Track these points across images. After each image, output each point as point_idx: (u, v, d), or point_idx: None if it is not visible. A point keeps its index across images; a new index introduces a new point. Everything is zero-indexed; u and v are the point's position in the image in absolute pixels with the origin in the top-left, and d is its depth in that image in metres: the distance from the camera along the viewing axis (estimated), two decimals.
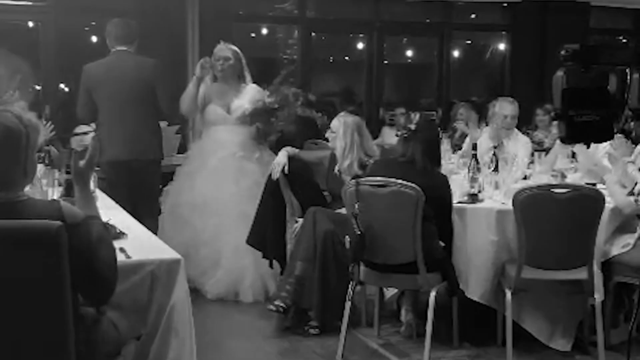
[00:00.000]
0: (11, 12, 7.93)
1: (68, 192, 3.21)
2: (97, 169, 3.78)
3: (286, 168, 5.00)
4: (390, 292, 4.69)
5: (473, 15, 10.06)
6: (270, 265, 5.13)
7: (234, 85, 5.48)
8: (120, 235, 3.06)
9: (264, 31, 10.22)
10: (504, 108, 5.62)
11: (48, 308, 2.23)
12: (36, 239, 2.20)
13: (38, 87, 4.70)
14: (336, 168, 4.89)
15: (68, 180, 3.23)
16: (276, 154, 5.17)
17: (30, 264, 2.20)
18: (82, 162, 2.52)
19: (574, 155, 5.13)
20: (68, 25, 7.89)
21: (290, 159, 5.04)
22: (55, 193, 3.54)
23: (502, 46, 10.31)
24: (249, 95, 5.45)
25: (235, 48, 5.55)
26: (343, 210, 4.43)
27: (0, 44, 7.94)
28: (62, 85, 4.96)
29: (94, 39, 8.48)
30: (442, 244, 4.13)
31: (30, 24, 8.31)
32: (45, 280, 2.21)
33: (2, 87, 2.30)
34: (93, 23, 8.52)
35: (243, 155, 5.42)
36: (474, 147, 4.66)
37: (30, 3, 7.96)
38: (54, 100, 7.48)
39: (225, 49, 5.52)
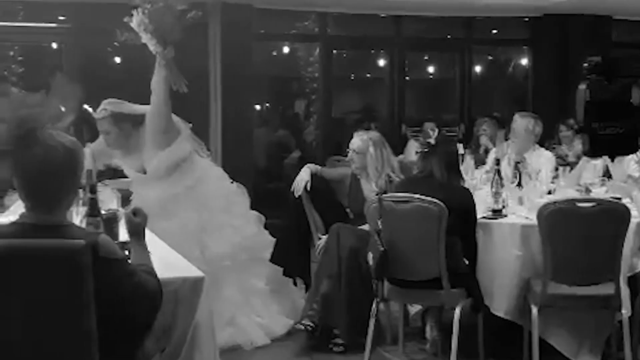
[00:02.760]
0: (36, 33, 8.06)
1: (92, 212, 3.23)
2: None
3: (308, 185, 5.00)
4: (414, 308, 4.67)
5: (494, 31, 10.05)
6: (294, 283, 5.12)
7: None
8: None
9: (285, 49, 10.28)
10: (514, 122, 5.61)
11: (70, 328, 2.23)
12: (59, 258, 2.20)
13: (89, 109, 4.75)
14: (372, 185, 4.87)
15: (92, 199, 3.25)
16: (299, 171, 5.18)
17: (53, 283, 2.20)
18: (138, 219, 2.58)
19: (607, 170, 5.09)
20: (91, 46, 7.99)
21: (313, 176, 5.04)
22: (78, 213, 3.56)
23: (524, 61, 10.27)
24: None
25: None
26: (365, 227, 4.42)
27: (26, 64, 8.09)
28: (85, 106, 5.02)
29: (117, 59, 8.57)
30: (466, 260, 4.10)
31: (55, 45, 8.44)
32: (67, 299, 2.21)
33: (58, 114, 2.35)
34: (116, 44, 8.61)
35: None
36: (497, 162, 4.64)
37: (54, 25, 8.08)
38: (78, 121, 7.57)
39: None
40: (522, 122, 5.54)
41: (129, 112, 4.78)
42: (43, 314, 2.22)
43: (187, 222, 4.77)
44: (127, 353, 2.40)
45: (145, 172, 4.88)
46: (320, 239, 4.94)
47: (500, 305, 4.19)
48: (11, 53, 8.18)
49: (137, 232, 2.60)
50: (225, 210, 4.98)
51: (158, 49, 4.64)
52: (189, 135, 5.01)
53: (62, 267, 2.20)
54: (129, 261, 2.47)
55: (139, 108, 4.82)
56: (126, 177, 5.05)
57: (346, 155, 5.16)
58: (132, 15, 4.58)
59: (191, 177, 4.94)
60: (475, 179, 5.25)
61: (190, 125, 5.09)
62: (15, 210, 3.45)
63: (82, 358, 2.23)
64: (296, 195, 5.02)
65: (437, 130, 6.84)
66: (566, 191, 4.76)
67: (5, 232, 2.30)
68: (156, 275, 2.47)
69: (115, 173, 5.18)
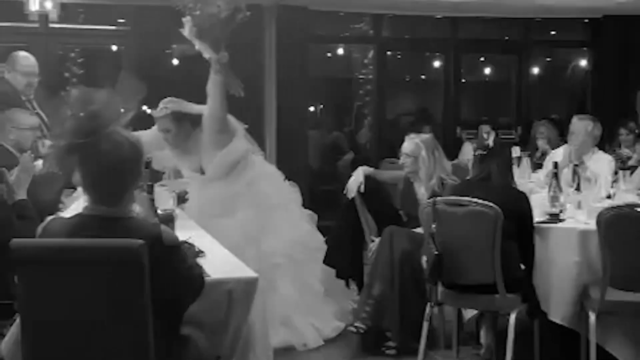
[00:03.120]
0: (97, 36, 8.24)
1: (149, 212, 3.28)
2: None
3: (362, 187, 4.99)
4: (469, 313, 4.62)
5: (553, 32, 9.89)
6: (347, 285, 5.11)
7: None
8: (199, 254, 3.10)
9: (340, 51, 10.29)
10: (572, 124, 5.51)
11: (129, 327, 2.27)
12: (118, 257, 2.25)
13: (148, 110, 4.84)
14: (422, 189, 4.85)
15: (150, 199, 3.30)
16: (352, 173, 5.17)
17: (112, 282, 2.25)
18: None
19: None
20: (149, 48, 8.12)
21: (366, 178, 5.03)
22: (137, 212, 3.61)
23: (583, 63, 10.09)
24: None
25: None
26: (419, 230, 4.39)
27: (87, 66, 8.26)
28: (144, 107, 5.11)
29: (175, 61, 8.68)
30: (523, 265, 4.04)
31: (114, 47, 8.60)
32: (126, 298, 2.26)
33: (120, 111, 2.43)
34: (174, 46, 8.73)
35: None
36: (556, 165, 4.56)
37: (114, 28, 8.24)
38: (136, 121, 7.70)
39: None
40: (580, 125, 5.45)
41: (188, 111, 4.82)
42: (102, 312, 2.26)
43: (246, 220, 4.80)
44: (169, 332, 2.45)
45: (202, 173, 4.93)
46: (373, 241, 4.92)
47: (557, 311, 4.11)
48: (72, 55, 8.38)
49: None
50: (281, 208, 5.01)
51: (212, 55, 4.68)
52: (244, 136, 5.05)
53: (122, 266, 2.25)
54: None
55: (197, 108, 4.87)
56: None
57: (400, 158, 5.13)
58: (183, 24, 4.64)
59: (248, 175, 4.98)
60: (533, 183, 5.17)
61: (246, 126, 5.13)
62: (76, 208, 3.53)
63: (139, 348, 2.28)
64: (349, 197, 5.01)
65: (493, 133, 6.77)
66: (626, 196, 4.65)
67: (71, 223, 2.39)
68: (202, 276, 2.56)
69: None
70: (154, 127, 4.91)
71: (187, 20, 4.62)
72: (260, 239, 4.81)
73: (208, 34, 4.63)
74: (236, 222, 4.73)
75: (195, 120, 4.82)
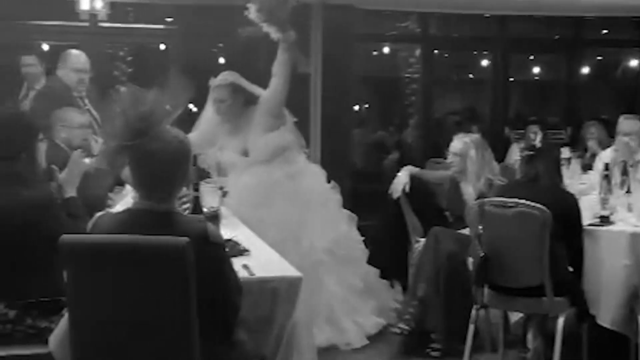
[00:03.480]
0: (145, 35, 8.35)
1: (195, 209, 3.30)
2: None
3: (407, 187, 4.96)
4: (515, 316, 4.55)
5: (604, 31, 9.71)
6: (391, 285, 5.09)
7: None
8: (244, 252, 3.11)
9: (386, 50, 10.24)
10: (620, 124, 5.38)
11: (175, 326, 2.28)
12: (164, 255, 2.27)
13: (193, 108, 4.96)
14: (469, 189, 4.80)
15: (195, 197, 3.32)
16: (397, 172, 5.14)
17: (158, 280, 2.27)
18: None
19: None
20: (196, 47, 8.18)
21: (412, 178, 5.00)
22: (183, 210, 3.63)
23: (634, 62, 9.88)
24: None
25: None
26: (465, 231, 4.35)
27: (135, 64, 8.37)
28: (190, 105, 5.16)
29: (221, 60, 8.75)
30: (572, 267, 3.98)
31: (162, 46, 8.70)
32: (171, 296, 2.27)
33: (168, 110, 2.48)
34: (220, 45, 8.80)
35: None
36: (607, 167, 4.47)
37: (162, 27, 8.33)
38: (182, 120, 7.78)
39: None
40: (628, 124, 5.33)
41: (246, 87, 4.94)
42: (147, 310, 2.28)
43: (286, 213, 4.82)
44: (223, 337, 2.46)
45: (247, 156, 4.97)
46: (417, 242, 4.89)
47: (606, 315, 4.04)
48: (121, 53, 8.50)
49: None
50: (320, 205, 5.01)
51: (279, 34, 4.78)
52: (293, 127, 5.09)
53: (168, 264, 2.26)
54: None
55: (255, 88, 4.97)
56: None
57: (446, 158, 5.09)
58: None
59: (291, 168, 5.02)
60: (585, 184, 5.08)
61: (296, 119, 5.16)
62: (125, 204, 3.57)
63: (185, 346, 2.28)
64: (394, 197, 4.99)
65: (540, 133, 6.65)
66: None
67: (120, 218, 2.47)
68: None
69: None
70: (202, 128, 4.98)
71: (252, 3, 4.77)
72: (299, 234, 4.81)
73: (274, 14, 4.80)
74: (274, 213, 4.75)
75: (250, 99, 4.94)
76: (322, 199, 5.08)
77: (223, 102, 4.89)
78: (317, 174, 5.24)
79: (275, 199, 4.85)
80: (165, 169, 2.39)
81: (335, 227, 5.01)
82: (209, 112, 5.02)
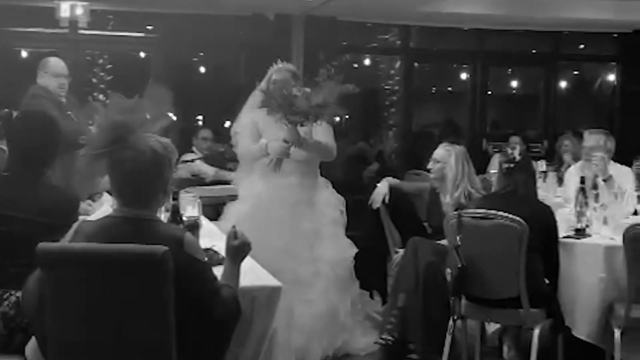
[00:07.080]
0: (124, 43, 8.32)
1: (174, 218, 3.29)
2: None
3: (387, 198, 4.98)
4: (492, 327, 4.58)
5: (582, 46, 9.82)
6: (371, 296, 5.09)
7: None
8: (223, 261, 3.09)
9: (367, 62, 10.29)
10: (586, 139, 5.43)
11: (151, 333, 2.27)
12: (141, 263, 2.26)
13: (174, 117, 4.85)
14: (447, 198, 4.81)
15: (174, 205, 3.32)
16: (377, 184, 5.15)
17: (135, 288, 2.26)
18: (236, 242, 2.60)
19: None
20: (177, 56, 8.18)
21: (391, 189, 5.01)
22: (161, 217, 3.62)
23: (611, 77, 10.01)
24: None
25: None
26: (444, 242, 4.37)
27: (114, 73, 8.34)
28: (169, 114, 5.18)
29: (202, 69, 8.75)
30: (547, 279, 4.01)
31: (142, 54, 8.68)
32: (148, 304, 2.27)
33: (148, 119, 2.48)
34: (201, 54, 8.80)
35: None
36: (582, 180, 4.52)
37: (142, 34, 8.31)
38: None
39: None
40: (593, 139, 5.37)
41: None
42: (123, 318, 2.28)
43: (298, 217, 4.68)
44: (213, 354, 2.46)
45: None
46: (397, 252, 4.90)
47: (582, 327, 4.07)
48: (100, 61, 8.46)
49: (231, 254, 2.62)
50: (335, 223, 4.89)
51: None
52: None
53: (145, 272, 2.26)
54: (213, 272, 2.50)
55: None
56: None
57: (426, 170, 5.11)
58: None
59: (319, 180, 4.93)
60: (560, 197, 5.12)
61: None
62: (104, 211, 3.56)
63: (162, 347, 2.28)
64: (374, 208, 5.00)
65: (519, 146, 6.70)
66: None
67: (99, 224, 2.47)
68: (237, 299, 2.49)
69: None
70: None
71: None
72: (315, 245, 4.70)
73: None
74: (288, 212, 4.65)
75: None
76: (338, 216, 4.95)
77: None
78: (332, 190, 5.07)
79: (289, 199, 4.71)
80: (137, 177, 2.41)
81: (342, 246, 4.86)
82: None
